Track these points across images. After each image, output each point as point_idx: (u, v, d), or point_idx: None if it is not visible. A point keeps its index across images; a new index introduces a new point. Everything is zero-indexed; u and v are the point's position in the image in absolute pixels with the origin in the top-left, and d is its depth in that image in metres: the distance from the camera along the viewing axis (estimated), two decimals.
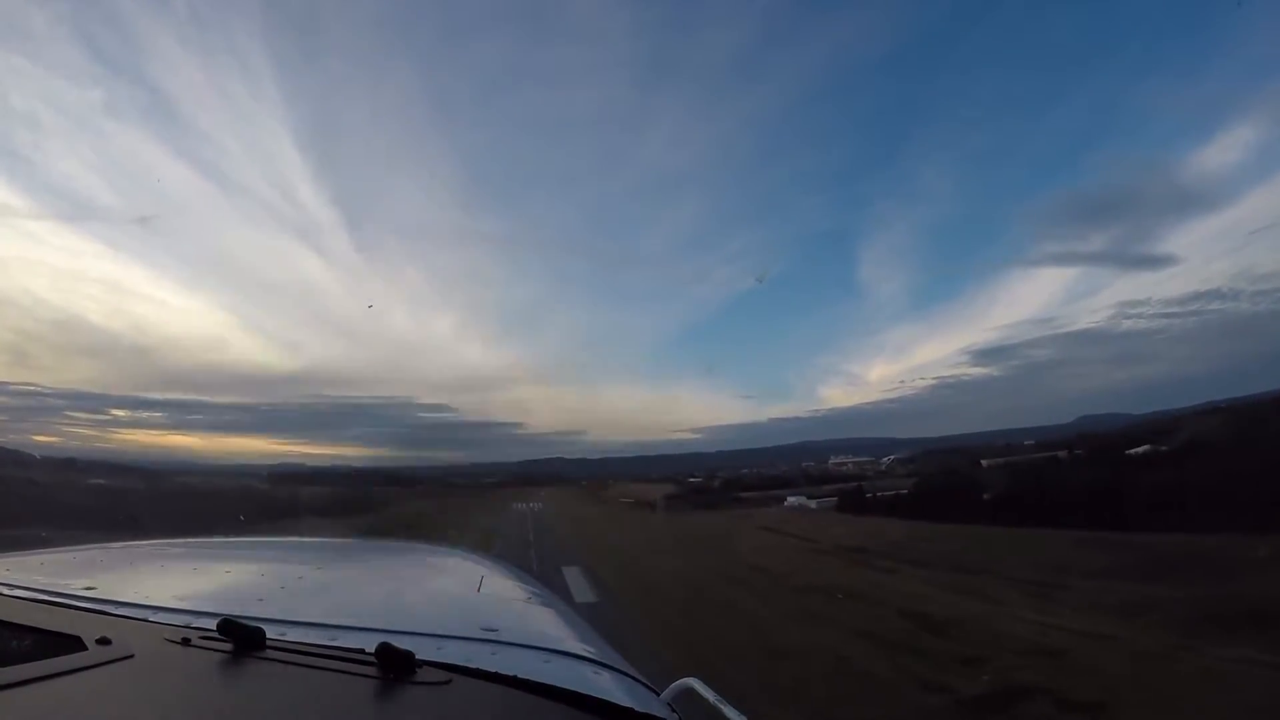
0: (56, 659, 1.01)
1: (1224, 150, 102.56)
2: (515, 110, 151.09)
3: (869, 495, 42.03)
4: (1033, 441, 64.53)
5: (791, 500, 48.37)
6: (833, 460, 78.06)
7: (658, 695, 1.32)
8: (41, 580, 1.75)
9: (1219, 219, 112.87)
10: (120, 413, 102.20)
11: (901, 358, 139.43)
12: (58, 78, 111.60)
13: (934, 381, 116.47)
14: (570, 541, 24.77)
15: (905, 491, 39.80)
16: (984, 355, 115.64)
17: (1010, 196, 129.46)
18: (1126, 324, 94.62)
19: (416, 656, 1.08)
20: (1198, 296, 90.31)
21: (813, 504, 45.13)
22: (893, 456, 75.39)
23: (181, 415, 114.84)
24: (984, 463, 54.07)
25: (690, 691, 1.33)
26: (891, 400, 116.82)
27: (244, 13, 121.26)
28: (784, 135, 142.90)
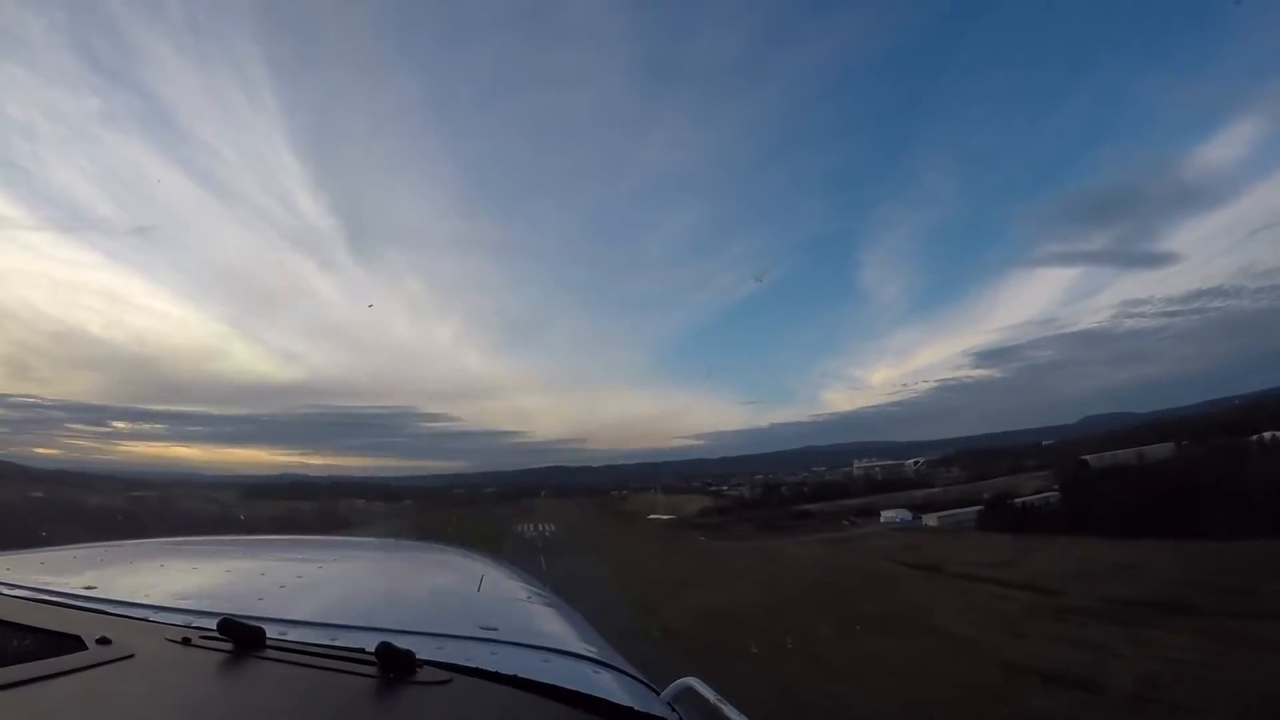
0: (57, 659, 1.01)
1: (1225, 147, 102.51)
2: (515, 115, 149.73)
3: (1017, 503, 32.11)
4: (1052, 441, 63.05)
5: (890, 515, 38.51)
6: (857, 464, 72.77)
7: (658, 694, 1.30)
8: (42, 579, 1.74)
9: (1220, 216, 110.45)
10: (121, 424, 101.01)
11: (903, 361, 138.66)
12: (54, 86, 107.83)
13: (936, 384, 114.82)
14: (623, 608, 14.87)
15: (1052, 498, 30.25)
16: (986, 357, 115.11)
17: (1012, 197, 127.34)
18: (1129, 323, 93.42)
19: (417, 656, 1.07)
20: (1200, 294, 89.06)
21: (932, 520, 35.10)
22: (921, 459, 69.32)
23: (182, 426, 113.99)
24: (1088, 459, 45.06)
25: (690, 691, 1.29)
26: (894, 404, 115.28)
27: (241, 19, 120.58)
28: (785, 138, 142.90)
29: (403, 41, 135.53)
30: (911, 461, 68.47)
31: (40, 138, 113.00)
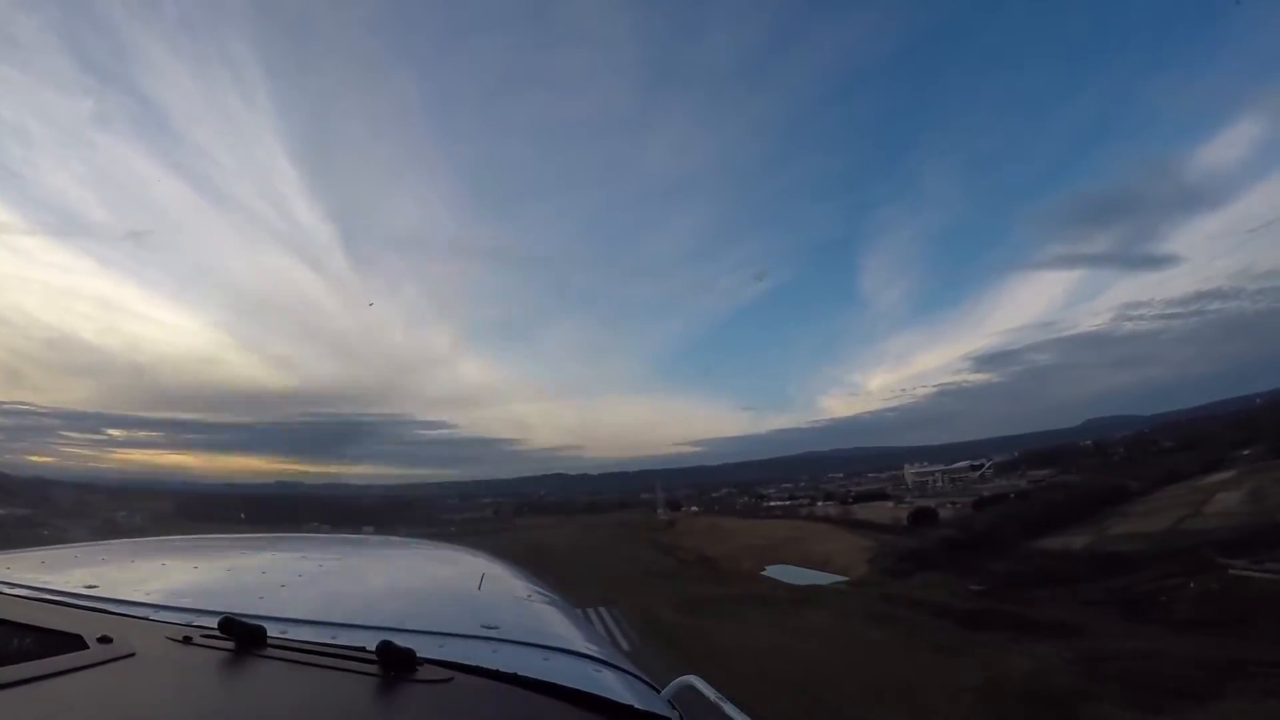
0: (58, 657, 1.03)
1: (1226, 148, 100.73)
2: (514, 120, 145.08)
3: None
4: (1090, 442, 60.57)
5: None
6: (910, 470, 64.85)
7: (658, 693, 1.32)
8: (43, 578, 1.74)
9: (1220, 217, 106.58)
10: (116, 432, 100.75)
11: (902, 366, 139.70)
12: (46, 88, 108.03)
13: (935, 389, 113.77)
14: None
15: None
16: (985, 361, 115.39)
17: (1013, 200, 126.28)
18: (1128, 326, 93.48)
19: (417, 654, 1.09)
20: (1199, 296, 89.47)
21: None
22: (987, 462, 60.98)
23: (178, 434, 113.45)
24: None
25: (691, 689, 1.31)
26: (892, 409, 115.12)
27: (236, 20, 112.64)
28: (786, 143, 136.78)
29: (400, 44, 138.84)
30: (969, 463, 61.72)
31: (33, 140, 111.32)
